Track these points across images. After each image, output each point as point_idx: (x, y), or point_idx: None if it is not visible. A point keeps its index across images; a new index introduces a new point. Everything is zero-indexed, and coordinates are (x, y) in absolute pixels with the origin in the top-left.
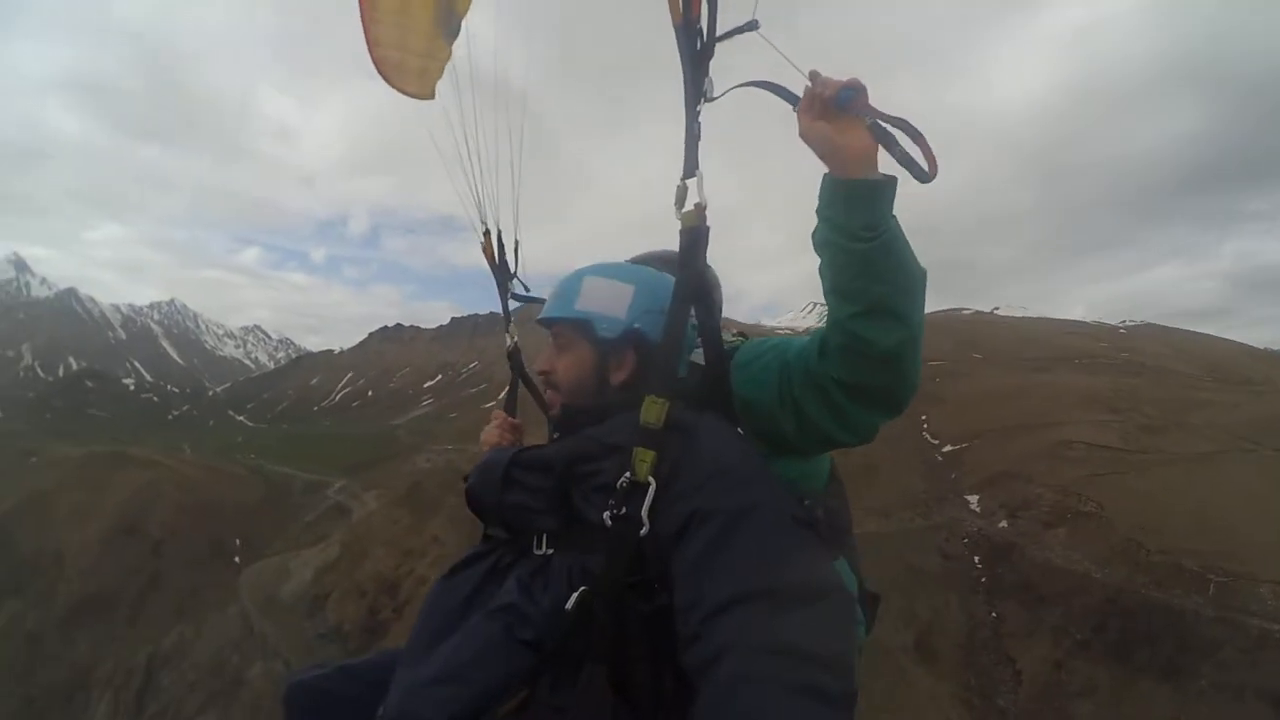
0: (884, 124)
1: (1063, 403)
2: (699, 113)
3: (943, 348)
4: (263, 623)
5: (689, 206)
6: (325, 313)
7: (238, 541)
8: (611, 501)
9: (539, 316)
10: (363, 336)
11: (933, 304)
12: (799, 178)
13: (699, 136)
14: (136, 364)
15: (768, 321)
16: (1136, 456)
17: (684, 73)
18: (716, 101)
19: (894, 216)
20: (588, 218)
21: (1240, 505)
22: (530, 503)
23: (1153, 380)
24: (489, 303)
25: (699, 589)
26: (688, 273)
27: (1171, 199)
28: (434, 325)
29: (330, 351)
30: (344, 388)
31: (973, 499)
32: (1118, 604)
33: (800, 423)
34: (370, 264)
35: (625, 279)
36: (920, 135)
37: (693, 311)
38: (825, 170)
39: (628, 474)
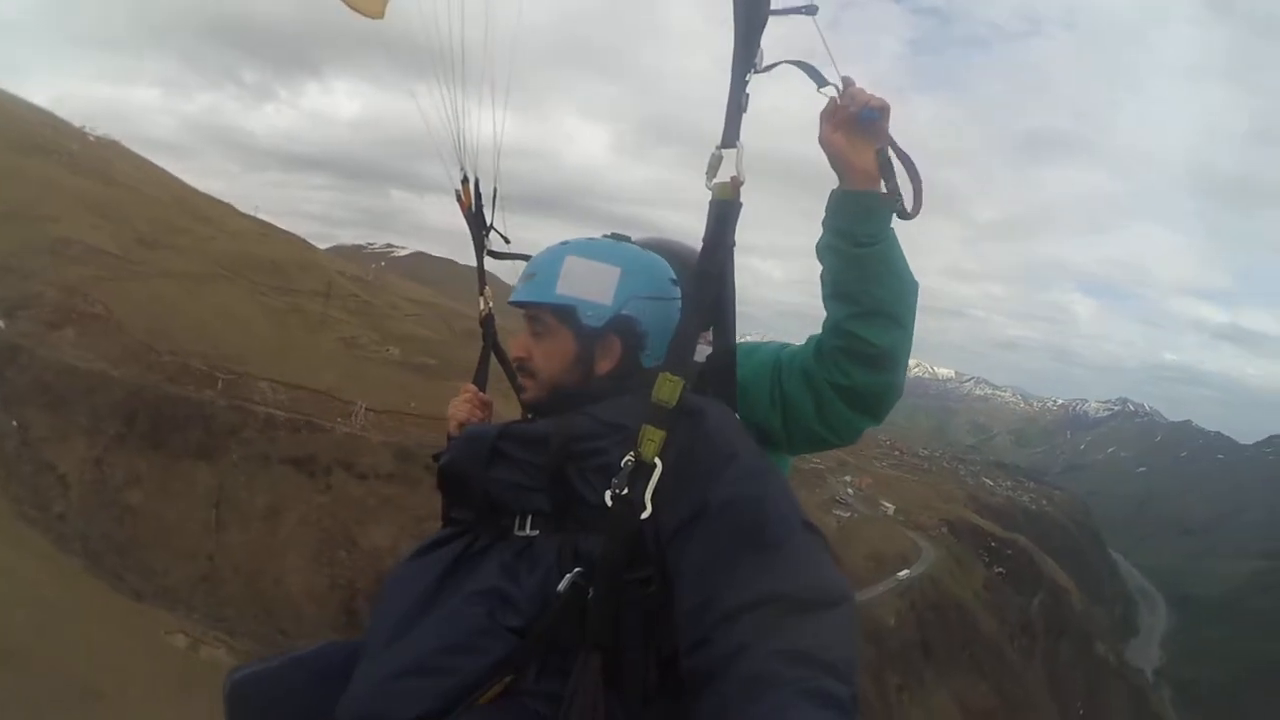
0: (892, 155)
1: (56, 198)
2: (747, 82)
3: None
4: None
5: (723, 177)
6: None
7: None
8: (614, 481)
9: (512, 298)
10: None
11: None
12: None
13: (745, 107)
14: None
15: None
16: (138, 267)
17: (736, 37)
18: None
19: (892, 229)
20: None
21: (231, 320)
22: (522, 479)
23: (133, 197)
24: None
25: (709, 591)
26: (715, 251)
27: None
28: None
29: None
30: None
31: None
32: (141, 398)
33: (787, 420)
34: None
35: (610, 260)
36: (918, 178)
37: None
38: (835, 185)
39: (633, 454)
